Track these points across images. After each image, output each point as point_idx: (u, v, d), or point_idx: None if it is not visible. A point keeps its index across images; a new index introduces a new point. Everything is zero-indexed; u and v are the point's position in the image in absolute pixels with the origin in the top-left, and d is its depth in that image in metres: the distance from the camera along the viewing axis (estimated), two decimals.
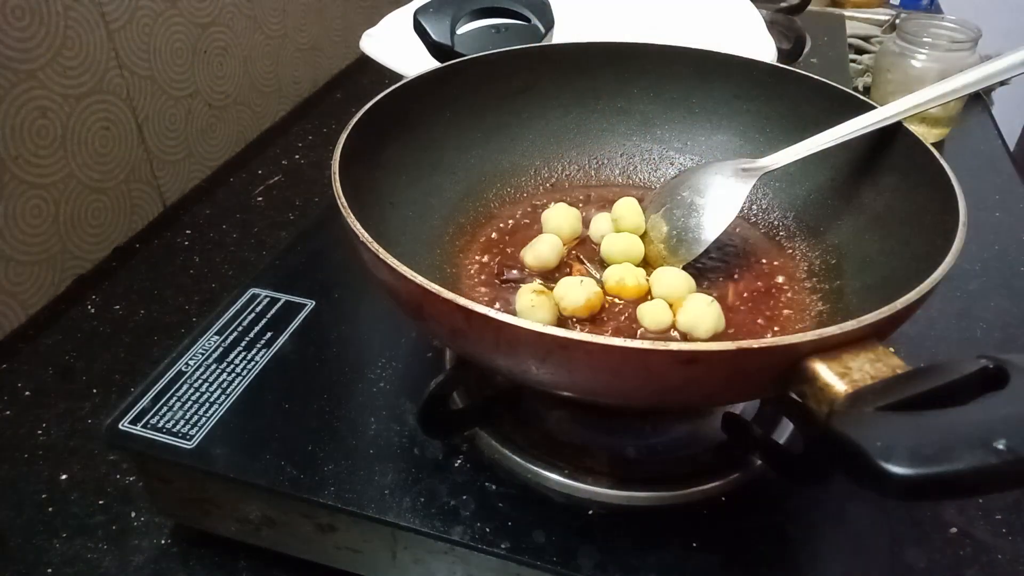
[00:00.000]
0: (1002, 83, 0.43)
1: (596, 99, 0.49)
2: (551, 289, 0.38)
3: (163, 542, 0.40)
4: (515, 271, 0.42)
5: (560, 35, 0.52)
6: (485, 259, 0.43)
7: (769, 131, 0.46)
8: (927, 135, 0.71)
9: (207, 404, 0.39)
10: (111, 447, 0.45)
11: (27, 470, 0.44)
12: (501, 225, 0.46)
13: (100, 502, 0.42)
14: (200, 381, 0.40)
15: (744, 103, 0.47)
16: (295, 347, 0.42)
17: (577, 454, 0.36)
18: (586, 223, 0.45)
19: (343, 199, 0.32)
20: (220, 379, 0.40)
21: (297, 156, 0.76)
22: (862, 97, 0.41)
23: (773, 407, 0.39)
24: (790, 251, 0.44)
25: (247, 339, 0.43)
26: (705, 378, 0.26)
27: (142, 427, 0.37)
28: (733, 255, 0.44)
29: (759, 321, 0.39)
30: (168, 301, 0.57)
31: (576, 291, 0.37)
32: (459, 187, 0.46)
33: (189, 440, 0.37)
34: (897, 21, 0.87)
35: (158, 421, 0.38)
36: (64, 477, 0.44)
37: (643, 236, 0.43)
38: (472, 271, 0.42)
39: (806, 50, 0.79)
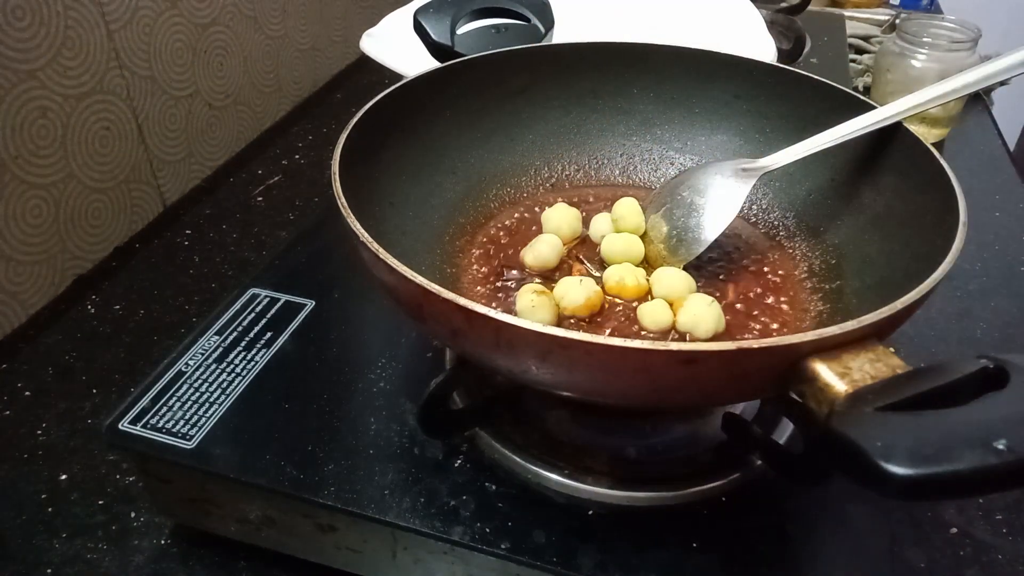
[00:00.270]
0: (1002, 83, 0.43)
1: (596, 99, 0.49)
2: (551, 289, 0.38)
3: (163, 542, 0.40)
4: (515, 271, 0.42)
5: (560, 35, 0.52)
6: (485, 259, 0.43)
7: (769, 131, 0.46)
8: (927, 135, 0.71)
9: (207, 404, 0.39)
10: (111, 447, 0.45)
11: (27, 470, 0.44)
12: (501, 225, 0.46)
13: (100, 502, 0.42)
14: (200, 381, 0.40)
15: (744, 103, 0.47)
16: (295, 347, 0.42)
17: (577, 454, 0.36)
18: (586, 223, 0.45)
19: (343, 199, 0.32)
20: (220, 379, 0.40)
21: (297, 156, 0.76)
22: (862, 97, 0.41)
23: (773, 407, 0.39)
24: (790, 251, 0.44)
25: (247, 339, 0.43)
26: (705, 378, 0.26)
27: (142, 427, 0.37)
28: (733, 255, 0.44)
29: (759, 321, 0.39)
30: (168, 301, 0.57)
31: (576, 290, 0.37)
32: (459, 187, 0.46)
33: (189, 440, 0.37)
34: (897, 21, 0.87)
35: (158, 421, 0.38)
36: (64, 477, 0.44)
37: (643, 236, 0.43)
38: (472, 271, 0.42)
39: (806, 50, 0.79)
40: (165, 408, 0.38)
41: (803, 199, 0.45)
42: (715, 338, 0.37)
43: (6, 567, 0.39)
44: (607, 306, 0.39)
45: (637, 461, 0.37)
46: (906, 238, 0.37)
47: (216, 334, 0.43)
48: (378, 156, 0.41)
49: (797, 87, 0.44)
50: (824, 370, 0.25)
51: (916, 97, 0.38)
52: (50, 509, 0.42)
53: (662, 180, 0.49)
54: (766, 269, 0.43)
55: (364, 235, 0.30)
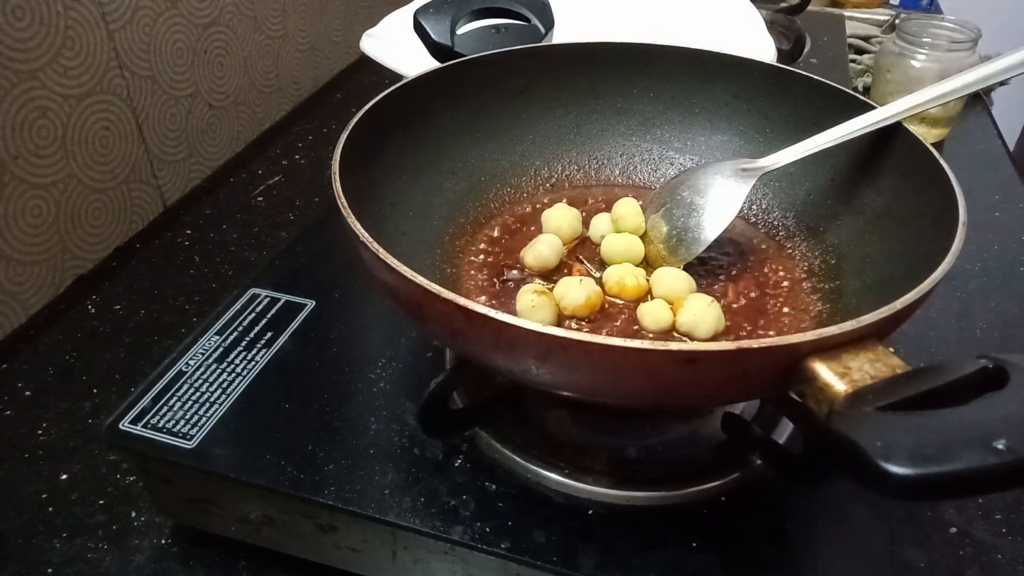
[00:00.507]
0: (1002, 83, 0.43)
1: (596, 99, 0.49)
2: (551, 289, 0.38)
3: (163, 542, 0.40)
4: (515, 271, 0.42)
5: (560, 35, 0.52)
6: (485, 259, 0.43)
7: (769, 131, 0.46)
8: (927, 135, 0.72)
9: (207, 404, 0.39)
10: (111, 447, 0.45)
11: (27, 470, 0.44)
12: (501, 225, 0.46)
13: (100, 502, 0.42)
14: (200, 381, 0.40)
15: (744, 103, 0.47)
16: (295, 347, 0.42)
17: (577, 454, 0.36)
18: (586, 223, 0.45)
19: (343, 199, 0.32)
20: (220, 379, 0.40)
21: (297, 156, 0.76)
22: (862, 97, 0.41)
23: (773, 407, 0.39)
24: (790, 251, 0.44)
25: (247, 339, 0.43)
26: (705, 378, 0.26)
27: (142, 427, 0.37)
28: (733, 255, 0.44)
29: (759, 321, 0.39)
30: (168, 301, 0.57)
31: (576, 290, 0.37)
32: (459, 187, 0.46)
33: (189, 440, 0.37)
34: (897, 21, 0.87)
35: (158, 421, 0.38)
36: (64, 477, 0.44)
37: (643, 236, 0.43)
38: (472, 271, 0.42)
39: (806, 50, 0.79)
40: (165, 408, 0.38)
41: (803, 199, 0.45)
42: (715, 338, 0.37)
43: (6, 567, 0.39)
44: (607, 306, 0.39)
45: (637, 461, 0.37)
46: (906, 238, 0.37)
47: (216, 334, 0.43)
48: (378, 156, 0.41)
49: (797, 87, 0.44)
50: (824, 370, 0.25)
51: (916, 97, 0.38)
52: (50, 509, 0.42)
53: (662, 180, 0.49)
54: (766, 269, 0.43)
55: (364, 235, 0.30)
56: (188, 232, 0.65)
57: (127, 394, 0.39)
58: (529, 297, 0.37)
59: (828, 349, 0.25)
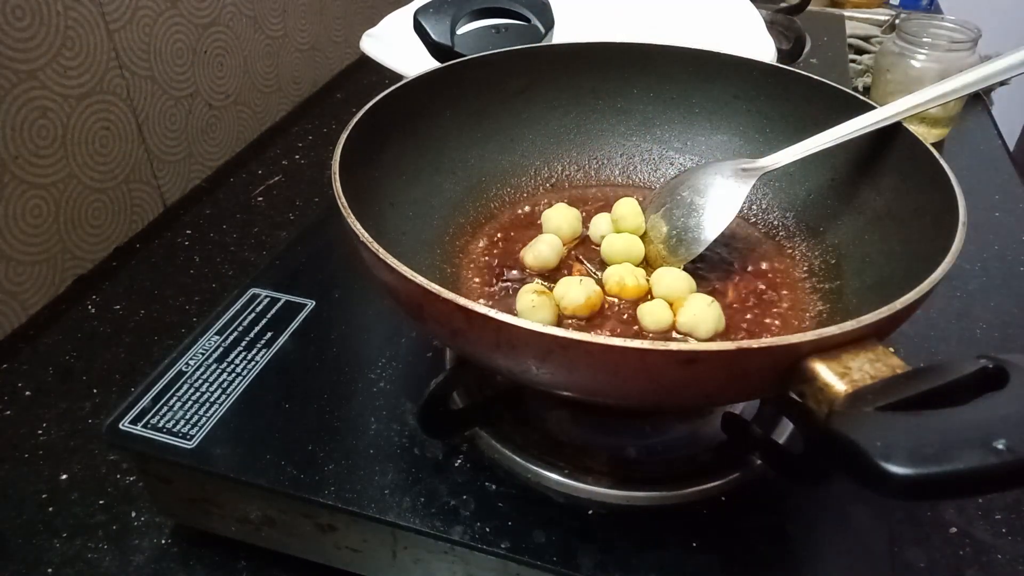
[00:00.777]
0: (1002, 83, 0.43)
1: (596, 99, 0.49)
2: (551, 289, 0.38)
3: (163, 542, 0.40)
4: (515, 271, 0.42)
5: (560, 35, 0.52)
6: (485, 259, 0.43)
7: (769, 131, 0.46)
8: (927, 135, 0.72)
9: (207, 404, 0.39)
10: (111, 447, 0.45)
11: (27, 470, 0.44)
12: (501, 225, 0.46)
13: (100, 502, 0.42)
14: (200, 381, 0.40)
15: (744, 103, 0.47)
16: (295, 347, 0.42)
17: (577, 454, 0.36)
18: (586, 223, 0.45)
19: (343, 199, 0.32)
20: (220, 379, 0.40)
21: (297, 156, 0.76)
22: (862, 97, 0.41)
23: (773, 407, 0.39)
24: (790, 251, 0.44)
25: (247, 339, 0.43)
26: (705, 378, 0.26)
27: (142, 427, 0.37)
28: (733, 255, 0.44)
29: (759, 321, 0.39)
30: (168, 301, 0.57)
31: (576, 290, 0.37)
32: (459, 187, 0.46)
33: (189, 440, 0.37)
34: (897, 21, 0.87)
35: (158, 421, 0.38)
36: (64, 477, 0.44)
37: (643, 236, 0.43)
38: (472, 271, 0.42)
39: (806, 50, 0.79)
40: (165, 408, 0.38)
41: (803, 199, 0.45)
42: (715, 338, 0.37)
43: (6, 567, 0.39)
44: (607, 306, 0.39)
45: (637, 461, 0.37)
46: (906, 238, 0.37)
47: (216, 334, 0.43)
48: (378, 156, 0.41)
49: (797, 87, 0.44)
50: (824, 370, 0.25)
51: (916, 97, 0.38)
52: (50, 509, 0.42)
53: (662, 180, 0.49)
54: (766, 269, 0.43)
55: (364, 235, 0.30)
56: (188, 232, 0.65)
57: (127, 394, 0.39)
58: (529, 297, 0.37)
59: (828, 349, 0.25)
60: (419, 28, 0.48)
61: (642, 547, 0.33)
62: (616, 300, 0.40)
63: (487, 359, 0.29)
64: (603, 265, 0.42)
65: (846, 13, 0.97)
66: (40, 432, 0.47)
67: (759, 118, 0.47)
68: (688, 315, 0.37)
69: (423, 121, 0.44)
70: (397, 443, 0.37)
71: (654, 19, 0.70)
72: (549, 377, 0.28)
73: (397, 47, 0.60)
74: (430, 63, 0.46)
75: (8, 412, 0.48)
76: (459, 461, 0.36)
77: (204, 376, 0.40)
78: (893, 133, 0.39)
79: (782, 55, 0.69)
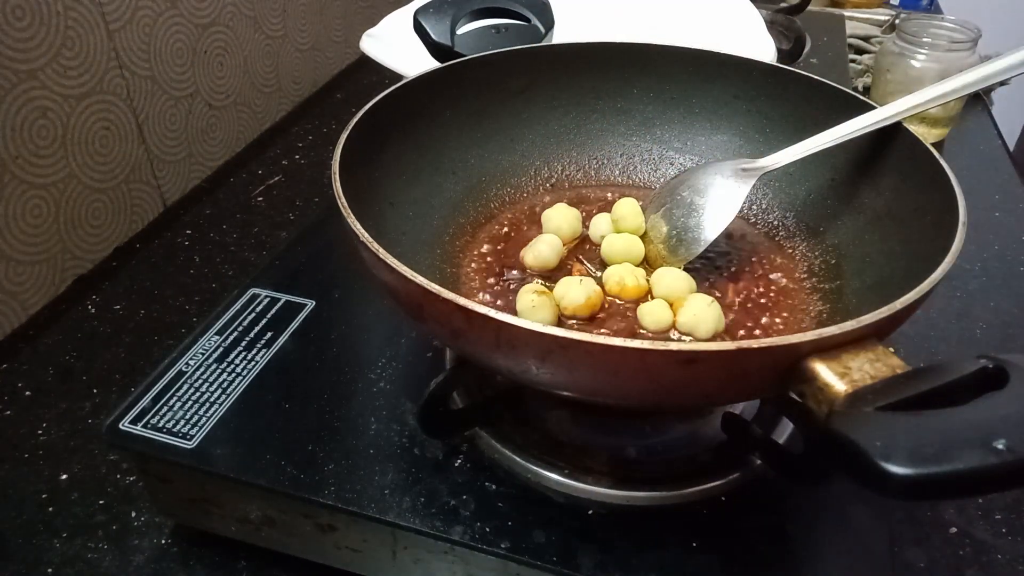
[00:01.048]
0: (1002, 83, 0.43)
1: (596, 99, 0.49)
2: (551, 289, 0.38)
3: (163, 542, 0.40)
4: (515, 271, 0.42)
5: (560, 35, 0.52)
6: (485, 259, 0.43)
7: (769, 131, 0.46)
8: (927, 135, 0.72)
9: (207, 404, 0.39)
10: (111, 447, 0.45)
11: (27, 470, 0.44)
12: (501, 225, 0.46)
13: (100, 502, 0.42)
14: (200, 381, 0.40)
15: (744, 103, 0.47)
16: (295, 347, 0.42)
17: (577, 454, 0.36)
18: (586, 223, 0.45)
19: (343, 199, 0.32)
20: (220, 379, 0.40)
21: (297, 156, 0.76)
22: (862, 97, 0.41)
23: (773, 407, 0.39)
24: (790, 251, 0.44)
25: (247, 339, 0.43)
26: (705, 378, 0.26)
27: (142, 427, 0.37)
28: (733, 255, 0.44)
29: (759, 321, 0.39)
30: (168, 301, 0.57)
31: (576, 290, 0.37)
32: (459, 187, 0.46)
33: (189, 440, 0.37)
34: (897, 21, 0.87)
35: (158, 421, 0.38)
36: (64, 477, 0.44)
37: (643, 236, 0.43)
38: (472, 271, 0.42)
39: (806, 50, 0.79)
40: (165, 408, 0.38)
41: (803, 199, 0.45)
42: (715, 338, 0.37)
43: (6, 567, 0.39)
44: (607, 306, 0.39)
45: (637, 461, 0.37)
46: (906, 238, 0.37)
47: (216, 334, 0.43)
48: (378, 156, 0.41)
49: (797, 87, 0.44)
50: (824, 370, 0.25)
51: (916, 97, 0.38)
52: (50, 509, 0.42)
53: (662, 180, 0.49)
54: (766, 269, 0.43)
55: (364, 235, 0.30)
56: (188, 232, 0.65)
57: (127, 394, 0.39)
58: (529, 297, 0.37)
59: (828, 349, 0.25)
60: (419, 28, 0.48)
61: (642, 547, 0.33)
62: (616, 300, 0.40)
63: (487, 359, 0.29)
64: (603, 265, 0.42)
65: (846, 13, 0.97)
66: (40, 432, 0.47)
67: (759, 118, 0.47)
68: (688, 315, 0.37)
69: (423, 121, 0.44)
70: (397, 443, 0.37)
71: (654, 19, 0.70)
72: (549, 377, 0.28)
73: (397, 47, 0.60)
74: (430, 63, 0.46)
75: (8, 412, 0.48)
76: (459, 461, 0.36)
77: (204, 376, 0.40)
78: (893, 133, 0.39)
79: (782, 55, 0.69)
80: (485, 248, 0.44)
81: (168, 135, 0.66)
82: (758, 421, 0.38)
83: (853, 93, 0.42)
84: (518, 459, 0.36)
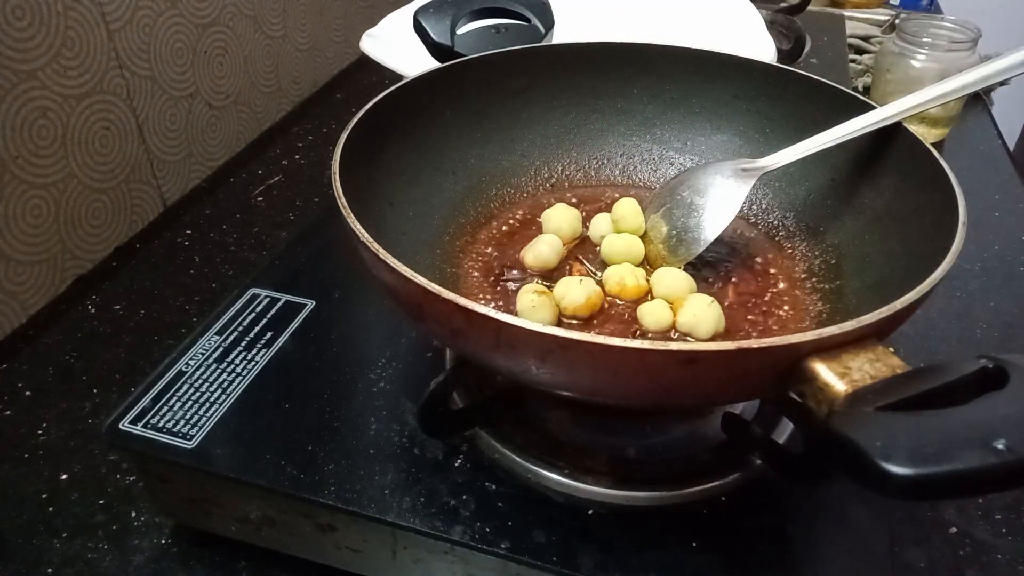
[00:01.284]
0: (1002, 83, 0.43)
1: (596, 99, 0.49)
2: (551, 289, 0.38)
3: (163, 542, 0.40)
4: (515, 271, 0.42)
5: (560, 35, 0.52)
6: (485, 259, 0.43)
7: (769, 131, 0.46)
8: (927, 135, 0.72)
9: (207, 404, 0.39)
10: (111, 447, 0.45)
11: (27, 470, 0.44)
12: (501, 225, 0.46)
13: (100, 502, 0.42)
14: (200, 381, 0.40)
15: (744, 103, 0.47)
16: (295, 347, 0.42)
17: (577, 454, 0.36)
18: (586, 223, 0.45)
19: (343, 199, 0.32)
20: (220, 379, 0.40)
21: (297, 156, 0.76)
22: (862, 97, 0.41)
23: (773, 407, 0.39)
24: (790, 251, 0.44)
25: (247, 339, 0.43)
26: (705, 378, 0.26)
27: (142, 427, 0.37)
28: (733, 255, 0.44)
29: (759, 321, 0.39)
30: (168, 301, 0.57)
31: (576, 290, 0.37)
32: (459, 187, 0.46)
33: (189, 440, 0.37)
34: (897, 21, 0.87)
35: (158, 421, 0.38)
36: (64, 477, 0.44)
37: (643, 236, 0.43)
38: (472, 271, 0.42)
39: (806, 50, 0.79)
40: (165, 408, 0.38)
41: (803, 199, 0.45)
42: (715, 338, 0.37)
43: (6, 567, 0.39)
44: (607, 306, 0.39)
45: (637, 461, 0.37)
46: (906, 238, 0.37)
47: (216, 334, 0.43)
48: (378, 156, 0.41)
49: (797, 87, 0.44)
50: (824, 370, 0.25)
51: (916, 97, 0.38)
52: (50, 509, 0.42)
53: (662, 180, 0.49)
54: (766, 269, 0.43)
55: (364, 235, 0.30)
56: (188, 232, 0.65)
57: (127, 394, 0.39)
58: (529, 297, 0.37)
59: (828, 349, 0.25)
60: (419, 28, 0.48)
61: (642, 547, 0.33)
62: (616, 300, 0.40)
63: (487, 359, 0.29)
64: (603, 265, 0.42)
65: (846, 13, 0.97)
66: (40, 432, 0.47)
67: (759, 118, 0.47)
68: (688, 315, 0.37)
69: (423, 121, 0.44)
70: (397, 443, 0.37)
71: (654, 19, 0.70)
72: (549, 377, 0.28)
73: (397, 47, 0.60)
74: (430, 63, 0.46)
75: (8, 412, 0.48)
76: (459, 461, 0.36)
77: (204, 376, 0.40)
78: (893, 133, 0.39)
79: (782, 55, 0.69)
80: (485, 248, 0.44)
81: (168, 135, 0.66)
82: (758, 421, 0.38)
83: (853, 93, 0.42)
84: (518, 459, 0.36)
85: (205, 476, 0.36)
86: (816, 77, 0.44)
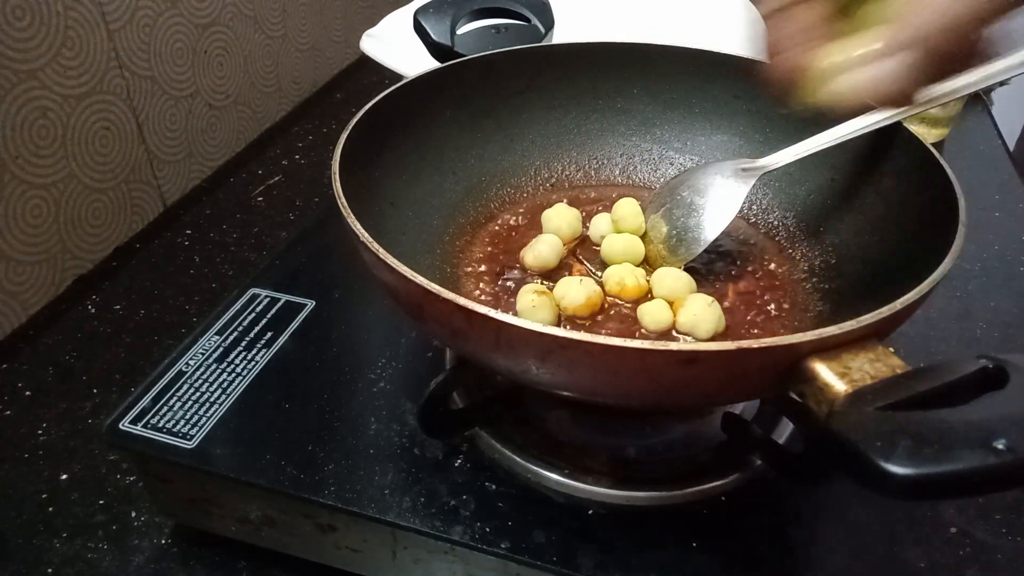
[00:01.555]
0: (1002, 83, 0.43)
1: (596, 99, 0.49)
2: (551, 289, 0.38)
3: (163, 542, 0.40)
4: (515, 271, 0.42)
5: (560, 35, 0.52)
6: (485, 259, 0.43)
7: (769, 131, 0.46)
8: (927, 135, 0.71)
9: (207, 404, 0.39)
10: (111, 447, 0.45)
11: (27, 470, 0.44)
12: (501, 225, 0.46)
13: (100, 502, 0.42)
14: (200, 381, 0.40)
15: (744, 103, 0.47)
16: (295, 347, 0.42)
17: (577, 454, 0.36)
18: (586, 223, 0.45)
19: (343, 199, 0.32)
20: (220, 379, 0.40)
21: (297, 156, 0.76)
22: None
23: (773, 407, 0.39)
24: (790, 251, 0.44)
25: (247, 339, 0.43)
26: (705, 378, 0.26)
27: (142, 427, 0.37)
28: (733, 255, 0.44)
29: (759, 321, 0.39)
30: (168, 301, 0.57)
31: (576, 290, 0.37)
32: (459, 187, 0.46)
33: (189, 440, 0.37)
34: None
35: (158, 421, 0.38)
36: (64, 477, 0.44)
37: (643, 236, 0.43)
38: (472, 271, 0.42)
39: None
40: (165, 408, 0.38)
41: (803, 199, 0.45)
42: (715, 338, 0.37)
43: (6, 567, 0.39)
44: (607, 306, 0.39)
45: (637, 461, 0.37)
46: (906, 238, 0.37)
47: (216, 334, 0.43)
48: (378, 156, 0.41)
49: None
50: (824, 370, 0.25)
51: None
52: (50, 509, 0.42)
53: (662, 180, 0.49)
54: (766, 269, 0.43)
55: (364, 235, 0.30)
56: (188, 232, 0.65)
57: (127, 394, 0.39)
58: (529, 297, 0.37)
59: (828, 349, 0.25)
60: (419, 28, 0.48)
61: (642, 547, 0.33)
62: (616, 300, 0.40)
63: (487, 359, 0.29)
64: (603, 265, 0.42)
65: None
66: (40, 432, 0.47)
67: (759, 118, 0.47)
68: (688, 315, 0.37)
69: (423, 121, 0.44)
70: (397, 443, 0.37)
71: (654, 19, 0.70)
72: (549, 377, 0.28)
73: (397, 47, 0.60)
74: (430, 63, 0.46)
75: (8, 412, 0.48)
76: (459, 461, 0.36)
77: (204, 376, 0.40)
78: (893, 133, 0.39)
79: None
80: (485, 248, 0.44)
81: (168, 135, 0.66)
82: (758, 421, 0.38)
83: None
84: (518, 459, 0.36)
85: (205, 476, 0.36)
86: None
